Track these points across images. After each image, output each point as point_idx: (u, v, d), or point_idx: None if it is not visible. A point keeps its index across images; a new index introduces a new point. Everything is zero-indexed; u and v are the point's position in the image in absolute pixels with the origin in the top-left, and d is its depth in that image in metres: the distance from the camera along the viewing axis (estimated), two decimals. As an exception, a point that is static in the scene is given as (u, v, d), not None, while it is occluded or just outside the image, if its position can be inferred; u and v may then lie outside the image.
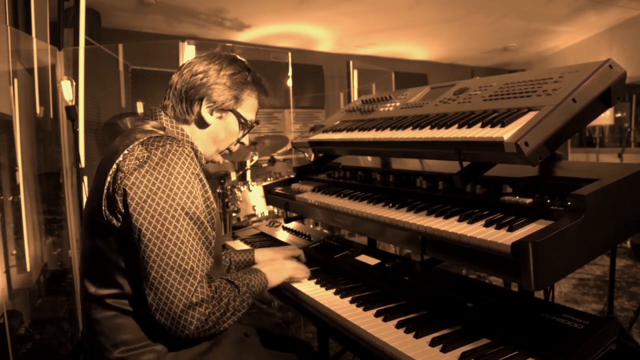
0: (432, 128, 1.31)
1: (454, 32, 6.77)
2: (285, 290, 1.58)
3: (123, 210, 1.12)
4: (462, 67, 8.69)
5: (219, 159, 1.45)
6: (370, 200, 1.54)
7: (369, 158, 2.12)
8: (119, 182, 1.12)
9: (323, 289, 1.50)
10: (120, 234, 1.14)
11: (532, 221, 1.06)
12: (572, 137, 1.80)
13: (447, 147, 1.24)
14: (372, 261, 1.63)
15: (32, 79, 3.23)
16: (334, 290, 1.47)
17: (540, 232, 0.97)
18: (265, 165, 4.36)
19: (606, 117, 5.94)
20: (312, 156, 2.20)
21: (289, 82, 5.57)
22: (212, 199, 1.24)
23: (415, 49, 7.64)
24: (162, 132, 1.27)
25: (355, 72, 6.18)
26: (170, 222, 1.10)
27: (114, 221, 1.14)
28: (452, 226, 1.15)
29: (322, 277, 1.59)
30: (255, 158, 4.10)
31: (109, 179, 1.15)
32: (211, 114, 1.34)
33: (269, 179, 3.61)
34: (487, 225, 1.10)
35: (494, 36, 7.06)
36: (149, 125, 1.29)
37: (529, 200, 1.13)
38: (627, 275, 4.14)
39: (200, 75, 1.31)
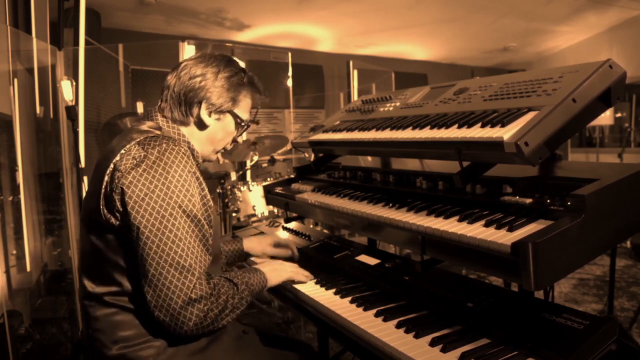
0: (432, 128, 1.31)
1: (454, 32, 6.77)
2: (285, 290, 1.57)
3: (121, 209, 1.14)
4: (462, 67, 8.69)
5: (215, 157, 1.47)
6: (370, 200, 1.54)
7: (369, 158, 2.12)
8: (116, 181, 1.14)
9: (323, 289, 1.50)
10: (119, 232, 1.16)
11: (532, 221, 1.06)
12: (572, 137, 1.80)
13: (447, 147, 1.24)
14: (372, 261, 1.63)
15: (32, 79, 3.23)
16: (334, 290, 1.47)
17: (540, 232, 0.97)
18: (265, 165, 4.36)
19: (606, 117, 5.94)
20: (312, 156, 2.20)
21: (289, 82, 5.57)
22: (208, 197, 1.26)
23: (415, 49, 7.64)
24: (158, 132, 1.29)
25: (355, 72, 6.18)
26: (168, 220, 1.12)
27: (113, 220, 1.16)
28: (452, 226, 1.15)
29: (322, 277, 1.59)
30: (255, 158, 4.10)
31: (106, 178, 1.17)
32: (210, 116, 1.35)
33: (269, 179, 3.61)
34: (487, 225, 1.10)
35: (494, 36, 7.06)
36: (146, 126, 1.30)
37: (529, 200, 1.13)
38: (627, 275, 4.14)
39: (199, 79, 1.32)
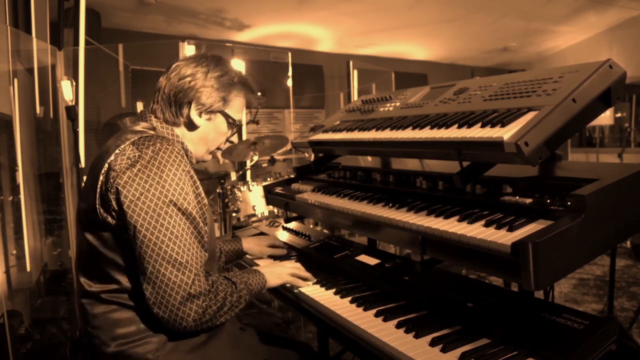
0: (432, 128, 1.31)
1: (454, 32, 6.77)
2: (285, 290, 1.58)
3: (117, 208, 1.15)
4: (462, 67, 8.69)
5: (209, 158, 1.48)
6: (370, 200, 1.54)
7: (369, 158, 2.12)
8: (111, 181, 1.15)
9: (323, 289, 1.50)
10: (116, 230, 1.18)
11: (532, 221, 1.06)
12: (572, 137, 1.80)
13: (447, 147, 1.24)
14: (372, 261, 1.63)
15: (32, 79, 3.23)
16: (334, 290, 1.47)
17: (540, 232, 0.97)
18: (265, 165, 4.36)
19: (606, 117, 5.94)
20: (312, 156, 2.20)
21: (289, 82, 5.57)
22: (203, 195, 1.27)
23: (415, 49, 7.64)
24: (152, 132, 1.30)
25: (355, 72, 6.18)
26: (164, 218, 1.14)
27: (109, 219, 1.17)
28: (452, 226, 1.15)
29: (322, 277, 1.59)
30: (255, 158, 4.10)
31: (101, 177, 1.18)
32: (200, 116, 1.36)
33: (269, 179, 3.61)
34: (487, 225, 1.10)
35: (494, 36, 7.06)
36: (140, 127, 1.32)
37: (529, 200, 1.13)
38: (627, 275, 4.14)
39: (188, 79, 1.33)
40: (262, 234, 2.22)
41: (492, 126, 1.14)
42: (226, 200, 3.77)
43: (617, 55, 6.78)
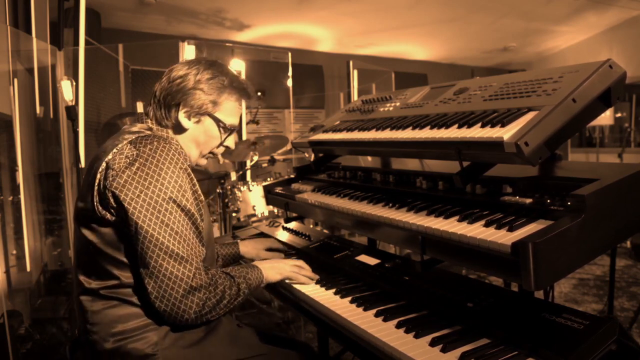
0: (432, 128, 1.31)
1: (454, 32, 6.77)
2: (285, 290, 1.57)
3: (115, 205, 1.18)
4: (462, 67, 8.69)
5: (203, 162, 1.49)
6: (370, 200, 1.54)
7: (369, 158, 2.12)
8: (110, 179, 1.18)
9: (323, 288, 1.50)
10: (117, 226, 1.20)
11: (532, 221, 1.06)
12: (572, 137, 1.80)
13: (447, 147, 1.24)
14: (372, 261, 1.63)
15: (32, 79, 3.23)
16: (334, 290, 1.47)
17: (540, 232, 0.97)
18: (265, 165, 4.36)
19: (606, 117, 5.94)
20: (312, 156, 2.20)
21: (289, 82, 5.57)
22: (199, 192, 1.30)
23: (415, 49, 7.63)
24: (149, 132, 1.32)
25: (355, 72, 6.18)
26: (165, 214, 1.17)
27: (108, 216, 1.20)
28: (452, 226, 1.15)
29: (322, 277, 1.59)
30: (255, 158, 4.10)
31: (99, 176, 1.21)
32: (189, 119, 1.37)
33: (269, 179, 3.61)
34: (487, 225, 1.10)
35: (494, 36, 7.06)
36: (137, 127, 1.34)
37: (529, 200, 1.13)
38: (627, 275, 4.14)
39: (178, 81, 1.34)
40: (262, 234, 2.22)
41: (492, 126, 1.14)
42: (226, 200, 3.77)
43: (617, 55, 6.78)
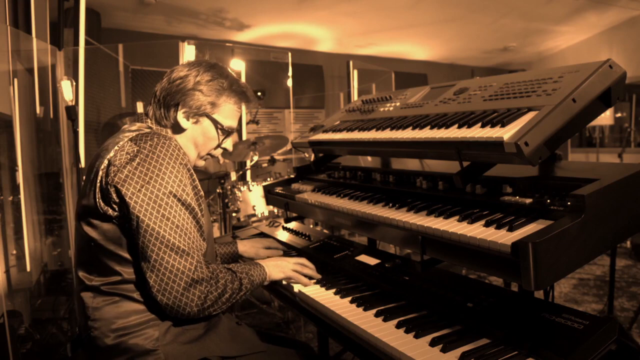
0: (432, 128, 1.31)
1: (454, 32, 6.77)
2: (285, 290, 1.58)
3: (118, 201, 1.20)
4: (462, 67, 8.69)
5: (201, 164, 1.50)
6: (370, 200, 1.54)
7: (369, 158, 2.12)
8: (112, 175, 1.20)
9: (323, 288, 1.50)
10: (119, 222, 1.22)
11: (532, 221, 1.06)
12: (572, 137, 1.79)
13: (447, 147, 1.24)
14: (372, 261, 1.63)
15: (32, 79, 3.23)
16: (334, 290, 1.47)
17: (540, 232, 0.97)
18: (265, 165, 4.36)
19: (606, 117, 5.94)
20: (312, 156, 2.20)
21: (289, 82, 5.57)
22: (199, 187, 1.31)
23: (415, 49, 7.63)
24: (149, 130, 1.34)
25: (355, 72, 6.18)
26: (165, 208, 1.19)
27: (110, 211, 1.21)
28: (452, 226, 1.15)
29: (322, 277, 1.59)
30: (255, 158, 4.10)
31: (100, 173, 1.22)
32: (187, 119, 1.38)
33: (269, 179, 3.61)
34: (487, 225, 1.10)
35: (494, 36, 7.06)
36: (136, 127, 1.36)
37: (528, 200, 1.13)
38: (627, 275, 4.14)
39: (178, 82, 1.36)
40: (262, 234, 2.22)
41: (492, 126, 1.14)
42: (226, 200, 3.77)
43: (617, 55, 6.78)
